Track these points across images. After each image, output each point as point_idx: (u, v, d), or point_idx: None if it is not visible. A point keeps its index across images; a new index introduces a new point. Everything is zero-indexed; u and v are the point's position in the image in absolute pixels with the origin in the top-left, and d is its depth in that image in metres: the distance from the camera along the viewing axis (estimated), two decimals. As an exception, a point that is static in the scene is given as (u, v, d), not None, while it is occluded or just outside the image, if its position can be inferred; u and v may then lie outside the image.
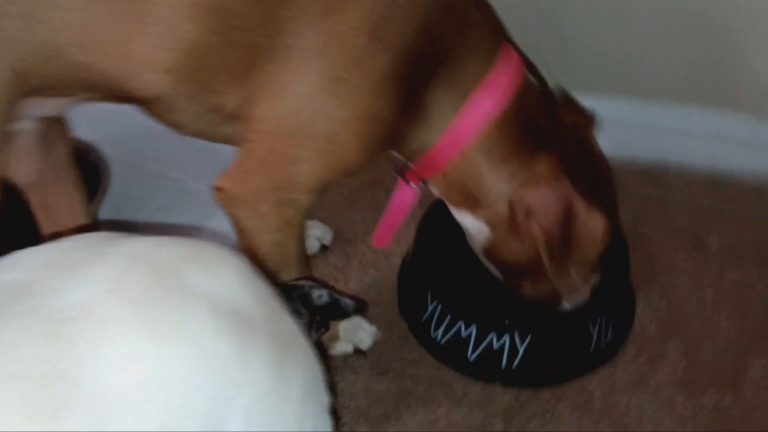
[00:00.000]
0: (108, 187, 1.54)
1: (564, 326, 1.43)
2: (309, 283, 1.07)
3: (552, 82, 1.72)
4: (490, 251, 1.34)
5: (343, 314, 1.10)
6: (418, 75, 1.19)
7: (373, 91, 1.16)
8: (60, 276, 0.77)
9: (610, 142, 1.72)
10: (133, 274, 0.78)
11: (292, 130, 1.17)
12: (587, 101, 1.64)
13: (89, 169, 1.53)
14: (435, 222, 1.50)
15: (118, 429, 0.70)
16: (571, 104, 1.40)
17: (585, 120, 1.38)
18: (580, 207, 1.27)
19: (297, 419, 0.82)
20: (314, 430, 0.85)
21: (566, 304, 1.39)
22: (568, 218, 1.27)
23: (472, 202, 1.29)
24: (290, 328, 0.88)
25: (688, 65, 1.72)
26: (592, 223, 1.28)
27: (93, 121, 1.53)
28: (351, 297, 1.09)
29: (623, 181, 1.74)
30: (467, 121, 1.23)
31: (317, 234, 1.61)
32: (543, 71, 1.55)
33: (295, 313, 1.02)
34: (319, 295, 1.07)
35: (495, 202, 1.28)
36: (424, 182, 1.34)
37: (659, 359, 1.47)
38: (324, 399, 0.89)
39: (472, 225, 1.32)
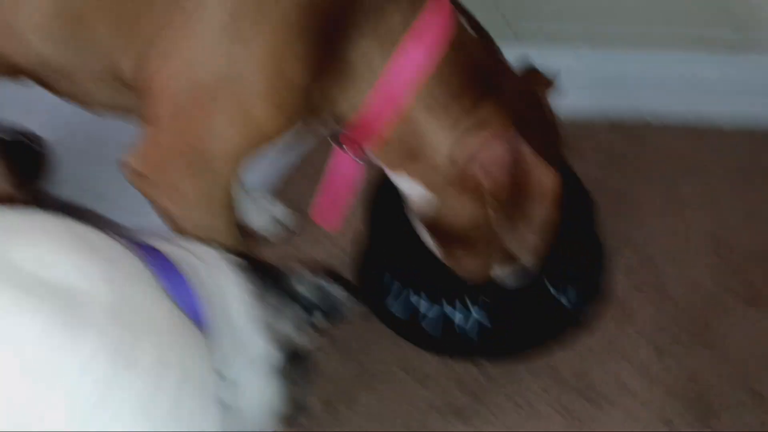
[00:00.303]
0: (46, 170, 1.53)
1: (524, 291, 1.35)
2: (300, 273, 1.04)
3: (514, 34, 1.64)
4: (429, 217, 1.24)
5: (335, 309, 1.06)
6: (333, 24, 1.09)
7: (279, 43, 1.07)
8: None
9: (580, 95, 1.66)
10: None
11: (193, 92, 1.08)
12: (553, 53, 1.58)
13: (29, 155, 1.52)
14: (386, 194, 1.43)
15: None
16: (527, 67, 1.30)
17: (541, 81, 1.29)
18: (530, 158, 1.16)
19: (159, 409, 0.78)
20: (190, 422, 0.81)
21: (507, 280, 1.31)
22: (516, 169, 1.16)
23: (412, 162, 1.19)
24: (154, 309, 0.83)
25: (657, 7, 1.64)
26: (543, 177, 1.17)
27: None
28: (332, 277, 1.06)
29: (595, 136, 1.68)
30: (398, 72, 1.13)
31: (279, 214, 1.55)
32: (503, 23, 1.48)
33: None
34: (305, 288, 1.04)
35: (436, 157, 1.17)
36: (363, 151, 1.24)
37: (631, 320, 1.40)
38: (208, 389, 0.85)
39: (412, 189, 1.22)
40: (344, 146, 1.24)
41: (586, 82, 1.68)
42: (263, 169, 1.58)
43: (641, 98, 1.71)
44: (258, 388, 0.99)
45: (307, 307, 1.05)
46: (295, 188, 1.60)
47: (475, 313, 1.33)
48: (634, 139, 1.67)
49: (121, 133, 1.21)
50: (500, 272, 1.30)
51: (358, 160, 1.26)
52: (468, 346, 1.35)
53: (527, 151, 1.15)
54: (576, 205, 1.40)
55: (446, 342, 1.36)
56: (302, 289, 1.06)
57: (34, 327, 0.73)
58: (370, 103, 1.15)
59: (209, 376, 0.85)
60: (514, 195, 1.16)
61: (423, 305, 1.35)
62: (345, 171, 1.27)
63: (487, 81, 1.17)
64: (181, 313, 0.86)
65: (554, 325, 1.38)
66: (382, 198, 1.42)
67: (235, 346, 0.96)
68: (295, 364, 1.03)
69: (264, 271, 1.04)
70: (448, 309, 1.34)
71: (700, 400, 1.30)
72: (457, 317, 1.33)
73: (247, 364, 0.97)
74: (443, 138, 1.16)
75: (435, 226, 1.26)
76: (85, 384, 0.73)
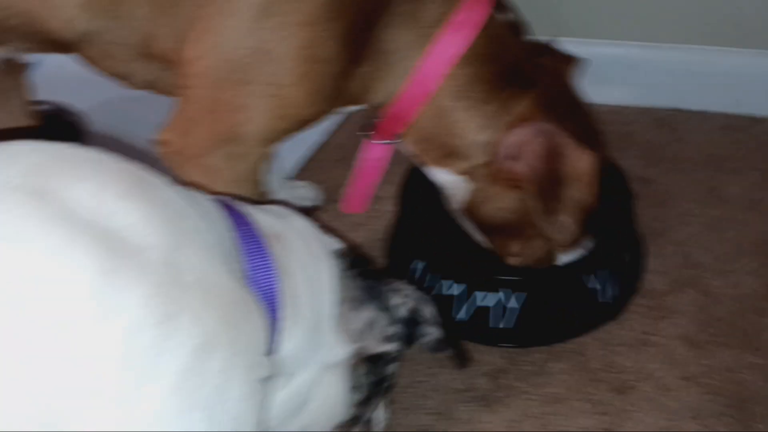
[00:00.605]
0: (82, 143, 1.51)
1: (560, 282, 1.31)
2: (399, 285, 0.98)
3: (554, 26, 1.61)
4: (472, 209, 1.23)
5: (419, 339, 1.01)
6: (371, 11, 1.09)
7: (317, 27, 1.06)
8: None
9: (621, 88, 1.63)
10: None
11: (229, 72, 1.07)
12: (596, 46, 1.55)
13: (68, 132, 1.52)
14: (419, 178, 1.40)
15: None
16: (547, 48, 1.28)
17: (564, 62, 1.27)
18: (568, 145, 1.15)
19: (198, 389, 0.70)
20: (230, 409, 0.72)
21: (560, 260, 1.28)
22: (555, 157, 1.15)
23: (448, 155, 1.19)
24: (212, 277, 0.75)
25: (701, 3, 1.60)
26: (581, 161, 1.16)
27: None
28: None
29: (635, 129, 1.63)
30: (434, 61, 1.13)
31: (307, 194, 1.53)
32: (542, 14, 1.45)
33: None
34: (402, 302, 0.98)
35: (474, 151, 1.18)
36: (395, 139, 1.23)
37: (669, 315, 1.35)
38: (255, 376, 0.77)
39: (450, 182, 1.22)
40: (375, 133, 1.23)
41: (628, 76, 1.65)
42: (289, 148, 1.58)
43: (682, 92, 1.68)
44: (322, 393, 0.94)
45: (395, 324, 0.99)
46: (319, 167, 1.59)
47: (507, 300, 1.28)
48: (675, 133, 1.62)
49: (157, 111, 1.21)
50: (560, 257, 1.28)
51: (387, 144, 1.25)
52: (497, 333, 1.31)
53: (564, 139, 1.14)
54: (616, 198, 1.36)
55: (475, 328, 1.31)
56: (396, 303, 0.99)
57: (83, 272, 0.66)
58: (404, 92, 1.15)
59: (261, 364, 0.79)
60: (551, 182, 1.15)
61: (453, 290, 1.32)
62: (375, 156, 1.27)
63: (523, 73, 1.17)
64: (246, 290, 0.80)
65: (588, 317, 1.33)
66: (415, 183, 1.40)
67: (308, 340, 0.90)
68: (369, 374, 0.98)
69: (364, 269, 0.98)
70: (479, 295, 1.30)
71: (742, 403, 1.23)
72: (489, 304, 1.29)
73: (315, 363, 0.92)
74: (480, 132, 1.16)
75: (477, 217, 1.24)
76: (129, 348, 0.67)
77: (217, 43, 1.07)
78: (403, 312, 0.99)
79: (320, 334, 0.92)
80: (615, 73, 1.49)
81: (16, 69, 1.30)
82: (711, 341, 1.31)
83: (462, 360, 1.10)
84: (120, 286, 0.67)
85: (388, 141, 1.23)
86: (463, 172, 1.20)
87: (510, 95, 1.15)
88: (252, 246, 0.85)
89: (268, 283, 0.84)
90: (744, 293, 1.37)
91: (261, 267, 0.84)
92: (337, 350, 0.93)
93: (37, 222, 0.67)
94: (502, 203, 1.21)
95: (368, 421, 1.04)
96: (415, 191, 1.40)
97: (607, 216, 1.32)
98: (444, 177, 1.22)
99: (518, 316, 1.29)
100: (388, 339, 0.97)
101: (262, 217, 0.91)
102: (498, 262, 1.29)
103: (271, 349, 0.84)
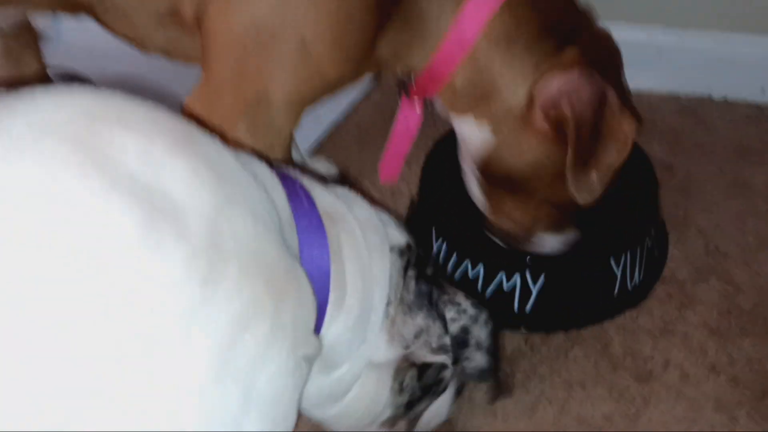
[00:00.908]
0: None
1: (586, 266, 1.29)
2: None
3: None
4: (489, 160, 1.19)
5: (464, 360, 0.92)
6: None
7: None
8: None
9: (647, 73, 1.60)
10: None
11: (257, 35, 1.04)
12: (620, 30, 1.51)
13: None
14: (441, 159, 1.38)
15: None
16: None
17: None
18: (615, 101, 1.11)
19: (236, 361, 0.67)
20: (268, 389, 0.69)
21: (541, 244, 1.25)
22: (600, 110, 1.10)
23: (481, 104, 1.15)
24: (261, 246, 0.71)
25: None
26: (624, 122, 1.12)
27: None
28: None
29: (659, 115, 1.61)
30: (471, 13, 1.09)
31: (321, 169, 1.51)
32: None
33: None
34: (455, 317, 0.91)
35: (512, 97, 1.13)
36: (429, 100, 1.20)
37: (691, 304, 1.33)
38: (304, 347, 0.73)
39: (474, 132, 1.18)
40: (409, 96, 1.21)
41: (654, 61, 1.62)
42: (306, 128, 1.56)
43: (709, 80, 1.65)
44: (364, 388, 0.90)
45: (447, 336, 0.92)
46: (336, 147, 1.57)
47: (530, 283, 1.26)
48: (700, 121, 1.60)
49: (174, 79, 1.18)
50: (543, 237, 1.25)
51: (419, 109, 1.23)
52: (519, 317, 1.28)
53: (612, 94, 1.10)
54: (641, 183, 1.33)
55: (495, 311, 1.29)
56: (449, 317, 0.92)
57: (123, 226, 0.63)
58: (441, 50, 1.11)
59: (307, 341, 0.75)
60: (591, 133, 1.11)
61: (473, 272, 1.29)
62: (409, 123, 1.25)
63: (567, 26, 1.14)
64: (295, 263, 0.75)
65: (612, 303, 1.31)
66: (437, 161, 1.38)
67: (352, 332, 0.85)
68: (417, 379, 0.92)
69: (422, 272, 0.92)
70: (502, 278, 1.27)
71: (764, 393, 1.21)
72: (512, 288, 1.27)
73: (359, 357, 0.88)
74: (523, 78, 1.12)
75: (492, 172, 1.20)
76: (166, 311, 0.63)
77: (243, 5, 1.04)
78: (453, 328, 0.92)
79: (366, 330, 0.87)
80: (640, 57, 1.45)
81: (29, 32, 1.27)
82: (734, 331, 1.29)
83: (501, 394, 1.01)
84: (160, 245, 0.64)
85: (420, 103, 1.21)
86: (493, 121, 1.16)
87: (552, 45, 1.12)
88: (306, 221, 0.81)
89: (320, 262, 0.80)
90: (766, 284, 1.35)
91: (314, 244, 0.80)
92: (384, 351, 0.88)
93: (78, 171, 0.64)
94: (525, 154, 1.16)
95: (414, 420, 0.99)
96: (438, 170, 1.38)
97: (632, 201, 1.30)
98: (468, 127, 1.18)
99: (541, 299, 1.26)
100: (439, 350, 0.91)
101: (322, 194, 0.87)
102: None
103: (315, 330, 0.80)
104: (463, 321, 0.92)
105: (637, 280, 1.32)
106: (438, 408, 1.01)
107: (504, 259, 1.28)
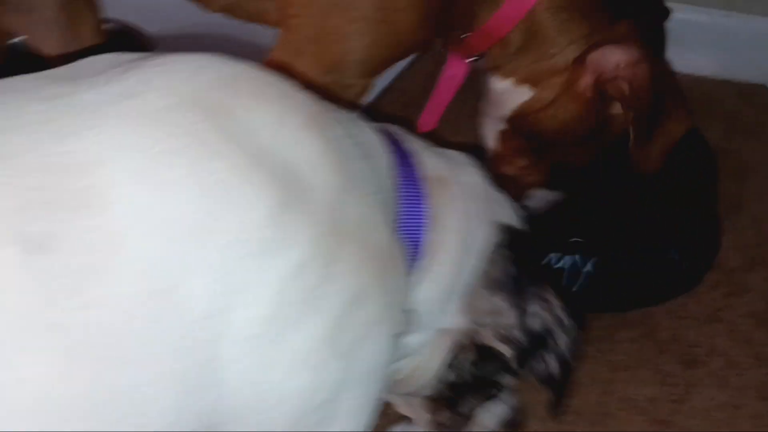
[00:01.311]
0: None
1: (642, 250, 1.29)
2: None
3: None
4: (521, 115, 1.20)
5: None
6: None
7: None
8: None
9: (705, 58, 1.58)
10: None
11: None
12: (679, 12, 1.49)
13: (132, 48, 1.52)
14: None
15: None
16: None
17: None
18: (671, 77, 1.13)
19: (341, 339, 0.69)
20: (368, 367, 0.71)
21: (531, 197, 1.27)
22: (659, 88, 1.12)
23: (528, 64, 1.17)
24: (373, 226, 0.72)
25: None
26: (679, 102, 1.14)
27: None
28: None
29: (717, 100, 1.59)
30: None
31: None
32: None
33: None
34: (540, 314, 0.86)
35: (558, 59, 1.15)
36: (478, 56, 1.21)
37: (740, 292, 1.33)
38: (397, 326, 0.74)
39: (512, 87, 1.19)
40: (460, 49, 1.22)
41: (713, 45, 1.60)
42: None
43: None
44: (421, 354, 0.88)
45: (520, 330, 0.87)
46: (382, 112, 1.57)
47: (582, 264, 1.27)
48: (758, 106, 1.58)
49: (230, 40, 1.19)
50: (535, 191, 1.28)
51: (467, 62, 1.23)
52: (570, 297, 1.29)
53: (668, 69, 1.12)
54: (700, 168, 1.33)
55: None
56: (533, 311, 0.87)
57: (259, 198, 0.63)
58: (503, 9, 1.12)
59: (400, 320, 0.75)
60: (651, 114, 1.12)
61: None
62: (455, 71, 1.26)
63: (623, 2, 1.15)
64: (397, 243, 0.76)
65: (664, 288, 1.31)
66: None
67: (438, 302, 0.84)
68: (473, 363, 0.89)
69: (519, 256, 0.87)
70: (554, 258, 1.28)
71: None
72: (564, 267, 1.27)
73: (433, 327, 0.86)
74: (574, 43, 1.14)
75: (519, 126, 1.22)
76: (290, 288, 0.64)
77: None
78: (534, 324, 0.88)
79: (451, 300, 0.86)
80: (699, 41, 1.44)
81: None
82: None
83: (557, 409, 0.95)
84: (292, 222, 0.65)
85: (467, 57, 1.22)
86: (535, 80, 1.18)
87: (607, 16, 1.13)
88: (409, 189, 0.80)
89: (415, 233, 0.80)
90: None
91: (412, 214, 0.80)
92: (451, 318, 0.86)
93: (216, 140, 0.64)
94: (560, 115, 1.18)
95: (465, 418, 0.95)
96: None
97: (691, 188, 1.30)
98: (508, 83, 1.20)
99: (592, 280, 1.27)
100: (506, 340, 0.87)
101: (429, 157, 0.85)
102: (575, 224, 1.27)
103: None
104: (548, 321, 0.88)
105: (691, 266, 1.32)
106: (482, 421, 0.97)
107: (557, 239, 1.28)
